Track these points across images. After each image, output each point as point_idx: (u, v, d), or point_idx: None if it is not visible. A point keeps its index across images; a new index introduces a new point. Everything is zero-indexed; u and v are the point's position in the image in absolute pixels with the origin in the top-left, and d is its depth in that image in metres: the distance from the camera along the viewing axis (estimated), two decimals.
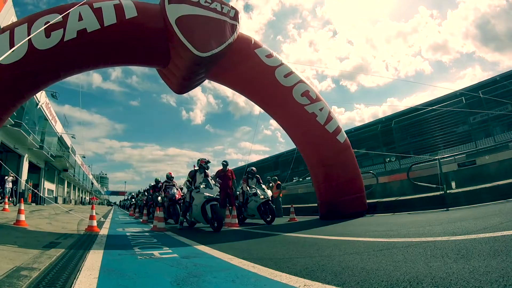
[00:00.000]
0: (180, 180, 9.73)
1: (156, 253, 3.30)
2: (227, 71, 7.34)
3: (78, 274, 2.21)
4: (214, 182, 6.55)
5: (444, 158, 7.88)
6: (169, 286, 1.96)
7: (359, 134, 17.59)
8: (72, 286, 1.93)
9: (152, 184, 11.89)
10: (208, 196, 6.07)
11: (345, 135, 7.41)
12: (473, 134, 12.41)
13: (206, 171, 6.93)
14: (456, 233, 3.00)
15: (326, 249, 3.10)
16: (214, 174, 8.49)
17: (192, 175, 6.86)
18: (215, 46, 6.51)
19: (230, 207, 7.79)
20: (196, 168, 6.96)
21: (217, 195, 6.23)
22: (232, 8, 7.17)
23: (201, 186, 6.30)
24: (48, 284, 1.94)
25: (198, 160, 7.11)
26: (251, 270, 2.35)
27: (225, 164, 8.92)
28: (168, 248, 3.64)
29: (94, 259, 2.81)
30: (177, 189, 9.37)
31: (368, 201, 7.43)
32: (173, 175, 10.01)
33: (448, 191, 6.53)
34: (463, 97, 12.11)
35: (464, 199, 6.21)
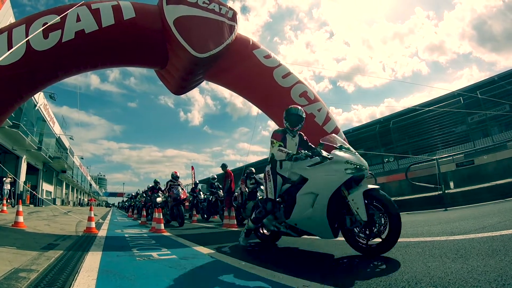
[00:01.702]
0: (179, 181, 9.48)
1: (154, 254, 3.29)
2: (225, 72, 7.33)
3: (76, 275, 2.20)
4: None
5: (442, 158, 7.91)
6: (168, 287, 1.96)
7: (357, 134, 17.64)
8: (71, 287, 1.92)
9: (151, 185, 11.85)
10: (356, 165, 2.95)
11: (344, 136, 7.42)
12: (471, 134, 12.50)
13: (302, 134, 3.69)
14: (454, 233, 3.01)
15: (324, 249, 3.11)
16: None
17: (282, 138, 3.53)
18: (213, 47, 6.50)
19: (228, 208, 7.75)
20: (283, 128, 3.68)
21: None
22: (230, 9, 7.17)
23: (324, 153, 3.08)
24: (47, 286, 1.93)
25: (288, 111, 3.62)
26: (250, 270, 2.35)
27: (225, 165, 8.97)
28: (166, 250, 3.63)
29: (92, 261, 2.80)
30: (182, 189, 8.97)
31: None
32: (178, 175, 9.40)
33: (446, 191, 6.56)
34: (461, 98, 12.18)
35: (462, 198, 6.25)
